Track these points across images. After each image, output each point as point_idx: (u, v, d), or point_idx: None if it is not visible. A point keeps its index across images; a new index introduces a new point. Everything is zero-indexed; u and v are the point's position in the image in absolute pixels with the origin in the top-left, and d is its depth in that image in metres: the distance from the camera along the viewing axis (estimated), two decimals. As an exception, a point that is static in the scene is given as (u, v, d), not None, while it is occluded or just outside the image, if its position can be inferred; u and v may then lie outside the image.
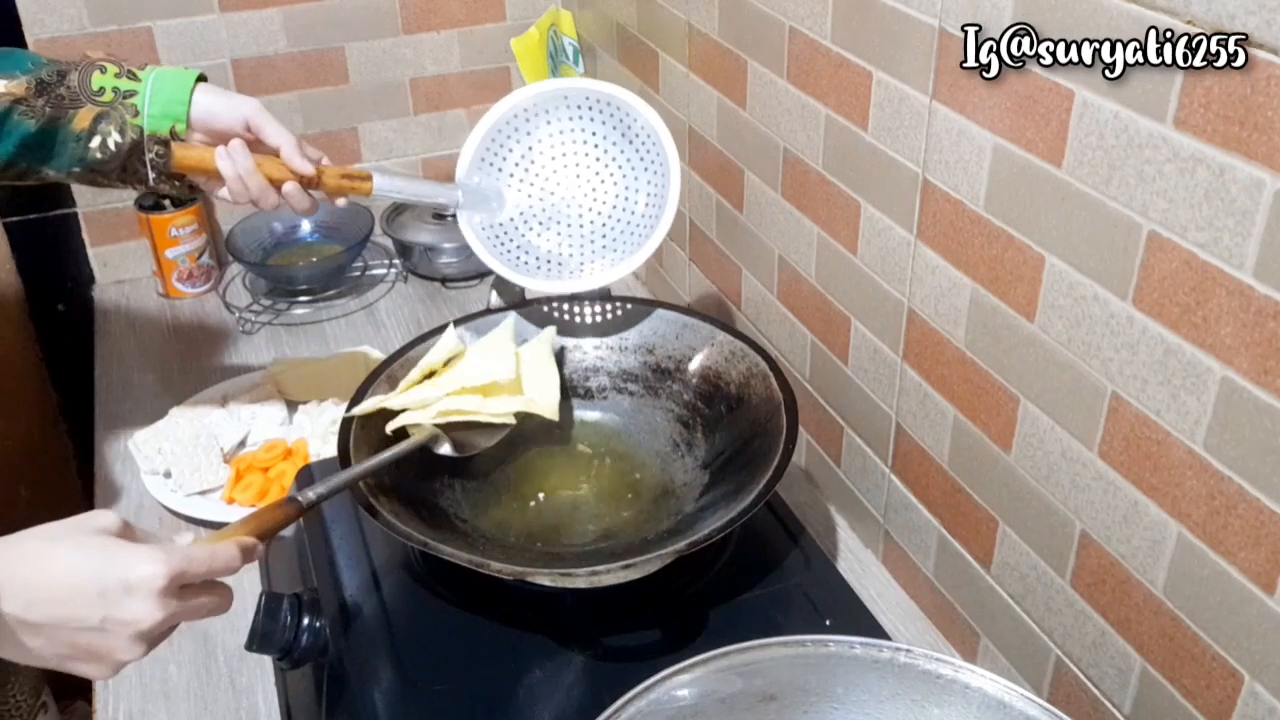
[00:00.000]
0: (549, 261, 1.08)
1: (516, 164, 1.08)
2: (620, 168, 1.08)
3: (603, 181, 1.09)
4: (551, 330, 1.08)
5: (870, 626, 0.88)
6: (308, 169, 0.99)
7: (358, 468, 0.87)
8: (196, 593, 0.72)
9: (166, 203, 1.53)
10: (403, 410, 0.96)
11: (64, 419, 1.69)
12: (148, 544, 0.70)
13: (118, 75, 0.98)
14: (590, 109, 1.07)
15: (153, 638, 0.70)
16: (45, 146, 0.95)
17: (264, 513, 0.80)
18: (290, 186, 0.98)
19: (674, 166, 1.05)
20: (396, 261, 1.65)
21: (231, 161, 0.96)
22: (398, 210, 1.68)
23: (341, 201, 1.03)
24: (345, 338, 1.50)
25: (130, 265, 1.64)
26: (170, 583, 0.69)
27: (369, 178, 1.01)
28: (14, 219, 1.56)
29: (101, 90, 0.97)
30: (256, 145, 0.99)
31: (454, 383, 0.98)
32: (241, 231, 1.60)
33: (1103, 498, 0.79)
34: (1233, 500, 0.68)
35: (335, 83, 1.65)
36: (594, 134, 1.08)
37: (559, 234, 1.09)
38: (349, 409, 0.96)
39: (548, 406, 1.01)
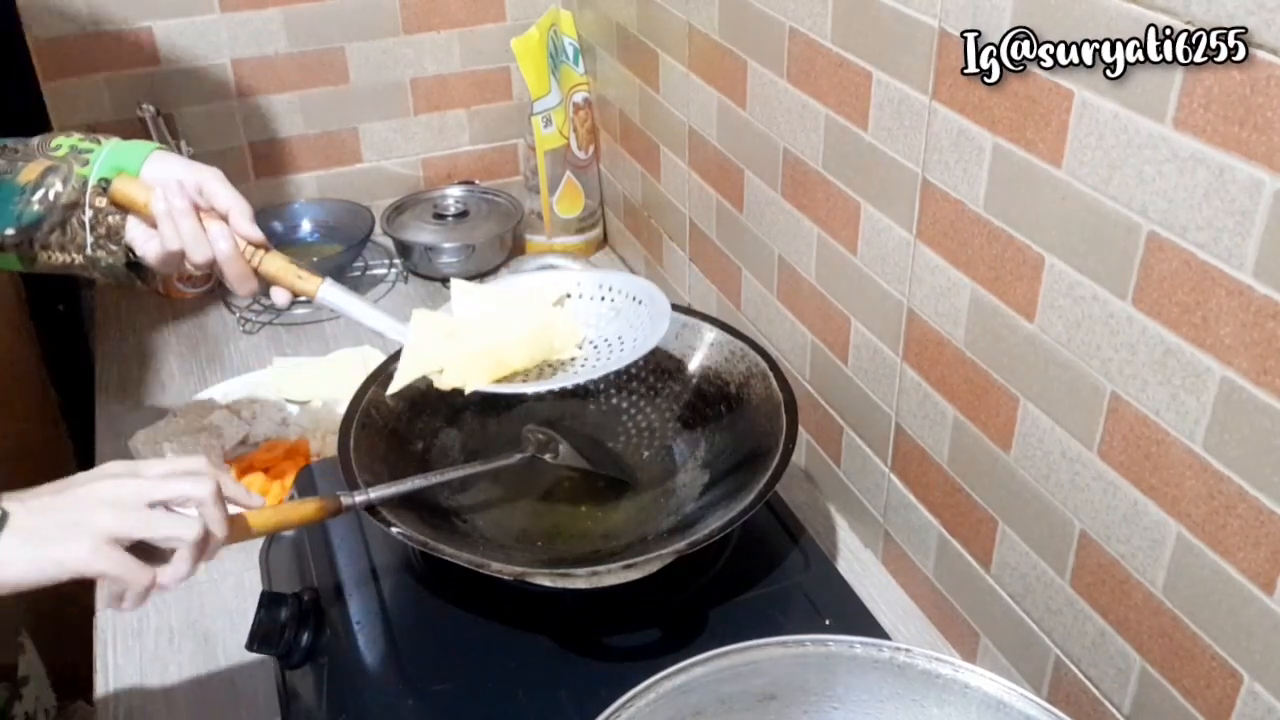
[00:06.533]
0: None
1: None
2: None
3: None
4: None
5: (870, 626, 0.89)
6: (256, 235, 0.90)
7: (429, 476, 0.88)
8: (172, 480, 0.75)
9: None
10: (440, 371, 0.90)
11: (64, 419, 1.69)
12: None
13: (80, 139, 0.92)
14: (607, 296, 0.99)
15: (126, 507, 0.71)
16: None
17: (300, 504, 0.81)
18: (228, 251, 0.88)
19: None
20: (397, 261, 1.65)
21: (166, 203, 0.87)
22: (398, 210, 1.69)
23: (281, 297, 0.92)
24: (346, 338, 1.50)
25: (130, 265, 1.63)
26: (131, 467, 0.75)
27: (317, 279, 0.91)
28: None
29: (58, 147, 0.91)
30: (206, 214, 0.90)
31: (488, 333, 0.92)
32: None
33: (1102, 497, 0.79)
34: (1232, 500, 0.68)
35: (335, 83, 1.66)
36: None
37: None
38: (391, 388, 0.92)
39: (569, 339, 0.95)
